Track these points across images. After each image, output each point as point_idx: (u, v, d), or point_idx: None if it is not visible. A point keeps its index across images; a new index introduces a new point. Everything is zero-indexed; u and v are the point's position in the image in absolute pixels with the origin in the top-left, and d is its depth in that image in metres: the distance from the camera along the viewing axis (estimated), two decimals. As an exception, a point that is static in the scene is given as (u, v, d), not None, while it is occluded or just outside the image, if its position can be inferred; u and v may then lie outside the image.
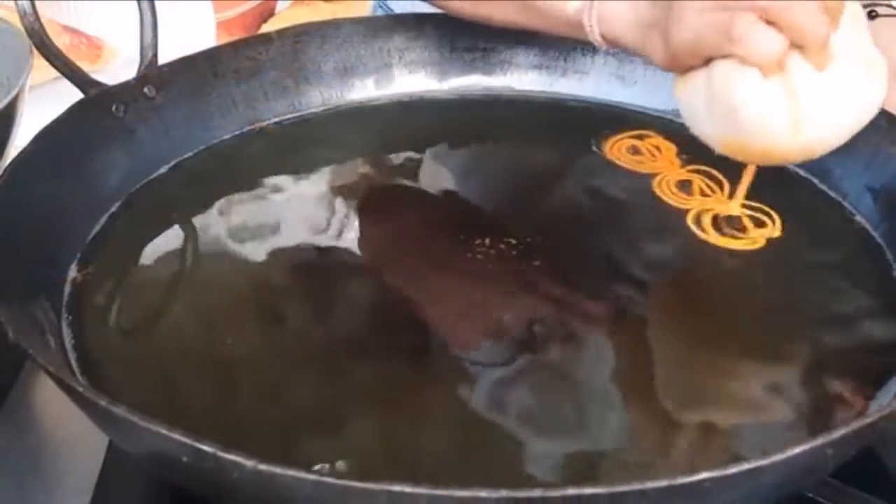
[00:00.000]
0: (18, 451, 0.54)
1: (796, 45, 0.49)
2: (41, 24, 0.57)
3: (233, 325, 0.52)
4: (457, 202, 0.65)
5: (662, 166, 0.66)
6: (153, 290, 0.55)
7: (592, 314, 0.52)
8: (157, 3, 1.21)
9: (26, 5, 0.57)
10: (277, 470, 0.30)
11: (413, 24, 0.77)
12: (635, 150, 0.68)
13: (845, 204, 0.61)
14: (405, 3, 1.01)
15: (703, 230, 0.59)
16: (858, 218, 0.60)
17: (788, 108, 0.50)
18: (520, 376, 0.48)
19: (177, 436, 0.31)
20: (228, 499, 0.38)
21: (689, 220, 0.60)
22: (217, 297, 0.55)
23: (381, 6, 1.06)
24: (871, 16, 0.86)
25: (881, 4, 0.87)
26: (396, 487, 0.29)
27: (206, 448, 0.30)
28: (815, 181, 0.64)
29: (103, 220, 0.59)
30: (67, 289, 0.52)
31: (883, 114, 0.60)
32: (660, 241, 0.60)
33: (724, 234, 0.59)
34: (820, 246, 0.59)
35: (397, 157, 0.69)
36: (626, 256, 0.58)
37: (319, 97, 0.75)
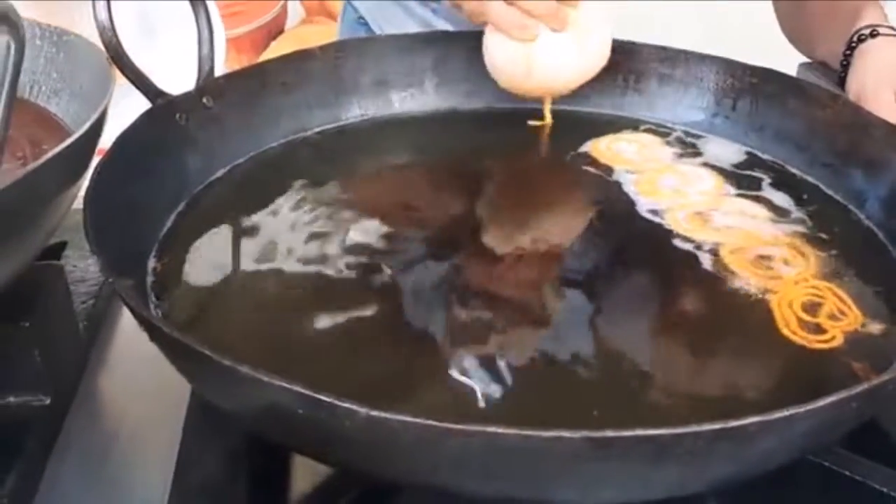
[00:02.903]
0: (96, 436, 0.59)
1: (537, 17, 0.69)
2: (118, 38, 0.62)
3: (289, 309, 0.57)
4: (490, 207, 0.70)
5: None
6: (220, 280, 0.60)
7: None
8: (167, 21, 1.26)
9: (104, 19, 0.62)
10: (388, 415, 0.35)
11: (444, 41, 0.82)
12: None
13: (851, 206, 0.67)
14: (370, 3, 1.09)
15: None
16: (864, 219, 0.66)
17: (523, 61, 0.71)
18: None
19: (297, 388, 0.36)
20: (324, 452, 0.43)
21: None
22: (274, 285, 0.59)
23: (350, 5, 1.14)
24: (873, 35, 0.92)
25: (882, 25, 0.93)
26: (491, 429, 0.34)
27: (323, 398, 0.35)
28: (823, 186, 0.70)
29: (172, 218, 0.64)
30: (150, 277, 0.57)
31: (883, 123, 0.67)
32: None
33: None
34: (830, 245, 0.64)
35: (433, 165, 0.75)
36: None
37: (358, 109, 0.80)
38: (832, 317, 0.56)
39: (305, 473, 0.54)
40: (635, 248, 0.64)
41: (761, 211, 0.67)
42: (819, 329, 0.55)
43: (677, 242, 0.63)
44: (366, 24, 1.13)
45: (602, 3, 0.72)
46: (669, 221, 0.66)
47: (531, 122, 0.79)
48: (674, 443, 0.35)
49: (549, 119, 0.78)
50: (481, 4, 0.71)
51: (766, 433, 0.36)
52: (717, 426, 0.35)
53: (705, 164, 0.73)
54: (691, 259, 0.62)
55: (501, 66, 0.73)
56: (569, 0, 0.70)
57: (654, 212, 0.67)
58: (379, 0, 1.09)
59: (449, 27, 0.98)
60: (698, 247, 0.63)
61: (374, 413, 0.35)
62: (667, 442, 0.35)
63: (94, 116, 0.54)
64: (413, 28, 1.05)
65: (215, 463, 0.52)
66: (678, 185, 0.70)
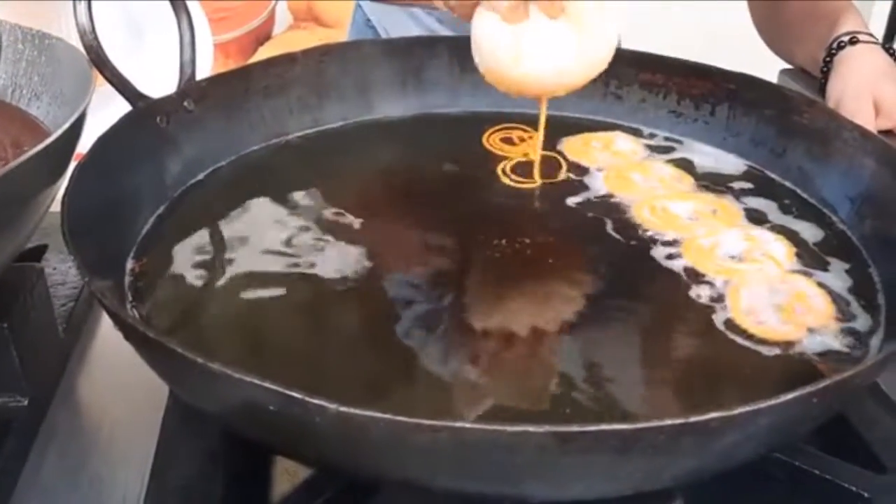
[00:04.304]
0: (74, 436, 0.59)
1: None
2: (98, 41, 0.63)
3: (267, 311, 0.58)
4: (470, 207, 0.71)
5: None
6: (199, 282, 0.60)
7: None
8: (154, 26, 1.26)
9: (86, 23, 0.62)
10: (357, 411, 0.35)
11: (427, 45, 0.83)
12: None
13: (825, 210, 0.68)
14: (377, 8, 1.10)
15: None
16: (838, 222, 0.67)
17: (511, 45, 0.64)
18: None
19: (268, 384, 0.37)
20: (295, 450, 0.43)
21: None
22: (253, 288, 0.60)
23: (360, 5, 1.15)
24: (852, 42, 0.93)
25: (862, 32, 0.94)
26: (458, 424, 0.35)
27: (295, 394, 0.36)
28: (799, 190, 0.71)
29: (152, 220, 0.65)
30: (128, 277, 0.58)
31: (856, 128, 0.67)
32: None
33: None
34: (801, 246, 0.65)
35: (412, 169, 0.75)
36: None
37: (340, 113, 0.81)
38: (798, 314, 0.57)
39: (284, 474, 0.54)
40: (596, 245, 0.65)
41: (734, 212, 0.68)
42: (783, 326, 0.56)
43: (642, 234, 0.65)
44: (374, 27, 1.14)
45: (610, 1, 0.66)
46: (636, 215, 0.67)
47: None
48: (637, 437, 0.36)
49: (540, 138, 0.72)
50: None
51: (729, 428, 0.37)
52: (678, 421, 0.35)
53: (680, 166, 0.74)
54: (656, 252, 0.63)
55: (488, 49, 0.66)
56: None
57: (624, 206, 0.69)
58: (386, 4, 1.10)
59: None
60: (663, 242, 0.64)
61: (344, 409, 0.36)
62: (630, 436, 0.36)
63: (73, 118, 0.55)
64: (417, 34, 1.06)
65: (192, 463, 0.52)
66: (648, 182, 0.72)
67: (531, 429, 0.35)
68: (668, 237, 0.65)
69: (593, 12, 0.65)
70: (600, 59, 0.67)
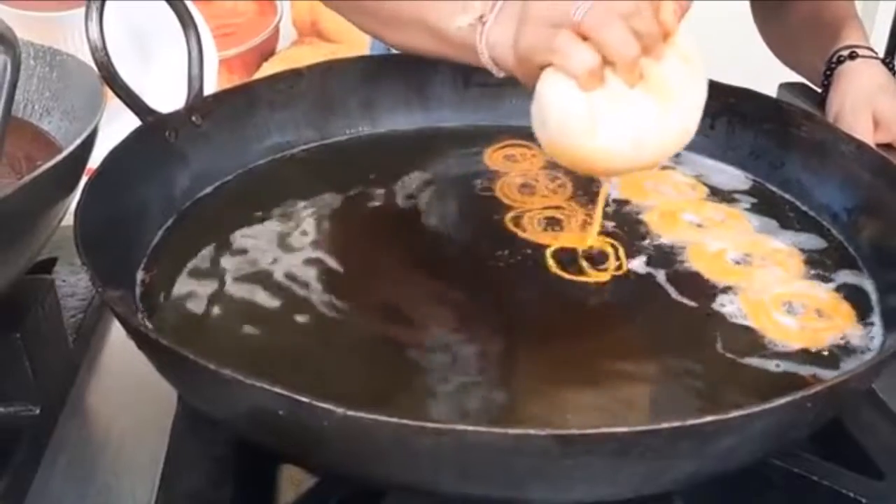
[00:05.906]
0: (85, 445, 0.60)
1: (610, 63, 0.56)
2: (109, 57, 0.64)
3: (272, 322, 0.59)
4: (472, 218, 0.72)
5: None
6: (207, 293, 0.61)
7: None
8: (162, 42, 1.27)
9: (96, 39, 0.64)
10: (362, 414, 0.36)
11: (431, 60, 0.84)
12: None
13: (823, 221, 0.69)
14: None
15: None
16: (836, 233, 0.68)
17: (586, 114, 0.56)
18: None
19: (278, 389, 0.38)
20: (303, 455, 0.44)
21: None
22: (258, 299, 0.61)
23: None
24: (852, 56, 0.94)
25: (861, 46, 0.95)
26: (460, 427, 0.36)
27: (302, 399, 0.37)
28: (798, 203, 0.72)
29: (161, 232, 0.66)
30: (138, 288, 0.59)
31: (853, 141, 0.69)
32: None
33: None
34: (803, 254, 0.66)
35: (415, 181, 0.76)
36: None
37: (344, 127, 0.82)
38: (808, 320, 0.59)
39: (291, 481, 0.55)
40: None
41: (744, 221, 0.70)
42: (800, 332, 0.58)
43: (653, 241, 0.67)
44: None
45: (695, 67, 0.59)
46: (648, 221, 0.69)
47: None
48: (635, 440, 0.37)
49: (596, 228, 0.66)
50: (549, 38, 0.57)
51: (725, 432, 0.38)
52: (675, 424, 0.36)
53: (684, 176, 0.75)
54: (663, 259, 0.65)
55: (558, 118, 0.58)
56: (652, 52, 0.57)
57: (637, 212, 0.71)
58: None
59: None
60: (674, 249, 0.66)
61: (350, 413, 0.37)
62: (629, 439, 0.37)
63: (85, 133, 0.56)
64: None
65: (201, 470, 0.53)
66: (662, 189, 0.73)
67: (533, 431, 0.36)
68: (678, 244, 0.66)
69: (678, 77, 0.58)
70: (683, 132, 0.59)
